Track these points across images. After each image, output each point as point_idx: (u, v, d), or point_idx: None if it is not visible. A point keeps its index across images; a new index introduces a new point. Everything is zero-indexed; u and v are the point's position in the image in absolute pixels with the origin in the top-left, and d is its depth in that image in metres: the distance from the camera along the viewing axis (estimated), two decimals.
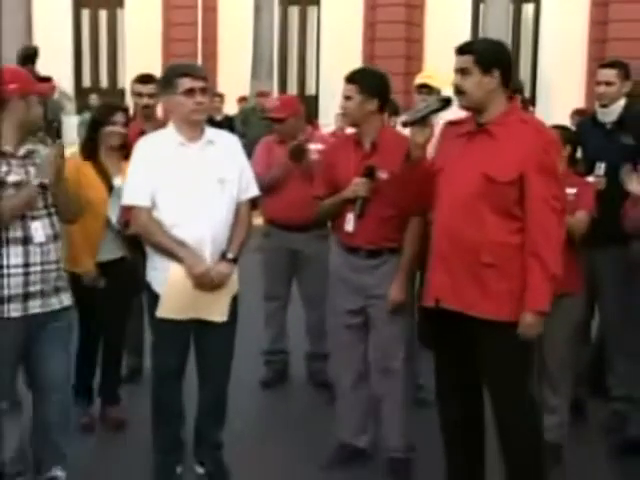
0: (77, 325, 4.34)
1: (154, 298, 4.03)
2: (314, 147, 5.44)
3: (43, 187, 3.78)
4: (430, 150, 3.86)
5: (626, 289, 4.62)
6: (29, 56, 9.68)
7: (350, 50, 17.58)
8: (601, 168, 4.68)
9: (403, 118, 3.99)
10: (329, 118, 14.84)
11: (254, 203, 4.42)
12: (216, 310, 4.06)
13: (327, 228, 5.73)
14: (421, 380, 5.02)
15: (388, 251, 4.20)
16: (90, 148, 4.72)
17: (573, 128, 5.28)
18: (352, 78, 4.22)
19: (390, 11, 17.48)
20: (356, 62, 17.31)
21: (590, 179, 4.63)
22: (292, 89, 18.56)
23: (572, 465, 3.77)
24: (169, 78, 4.01)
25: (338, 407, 4.56)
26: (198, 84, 3.94)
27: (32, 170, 3.75)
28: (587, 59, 16.31)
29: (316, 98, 17.94)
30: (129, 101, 6.23)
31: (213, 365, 4.20)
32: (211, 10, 19.04)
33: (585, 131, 5.00)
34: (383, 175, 4.12)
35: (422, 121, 3.68)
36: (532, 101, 15.16)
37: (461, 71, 3.55)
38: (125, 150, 4.67)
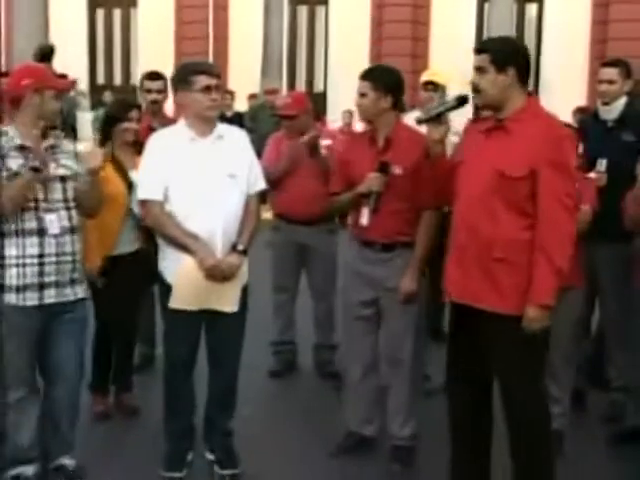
0: (93, 317, 4.33)
1: (166, 289, 4.04)
2: (323, 143, 5.44)
3: (63, 180, 3.80)
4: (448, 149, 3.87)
5: (626, 284, 4.61)
6: (46, 54, 9.69)
7: (357, 48, 17.57)
8: (602, 164, 4.66)
9: (419, 116, 3.99)
10: (336, 114, 14.84)
11: (263, 197, 4.42)
12: (227, 301, 4.06)
13: (334, 222, 5.75)
14: (427, 371, 5.02)
15: (401, 245, 4.20)
16: (105, 143, 4.73)
17: (575, 125, 5.26)
18: (367, 75, 4.22)
19: (397, 10, 17.45)
20: (363, 60, 17.31)
21: (591, 175, 4.62)
22: (301, 86, 18.53)
23: (572, 451, 3.79)
24: (185, 75, 4.00)
25: (346, 396, 4.56)
26: (213, 82, 3.96)
27: (52, 164, 3.77)
28: (589, 58, 16.27)
29: (324, 95, 17.93)
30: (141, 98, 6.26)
31: (224, 354, 4.20)
32: (222, 9, 19.02)
33: (587, 128, 4.98)
34: (397, 170, 4.12)
35: (437, 118, 3.69)
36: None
37: (478, 70, 3.54)
38: (138, 146, 4.68)
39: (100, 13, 20.30)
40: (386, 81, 4.20)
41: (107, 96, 16.16)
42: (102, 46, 20.38)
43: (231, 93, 14.41)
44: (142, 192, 4.04)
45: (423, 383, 4.79)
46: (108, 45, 20.35)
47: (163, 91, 5.64)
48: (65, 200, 3.84)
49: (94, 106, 17.05)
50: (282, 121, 5.65)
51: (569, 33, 16.44)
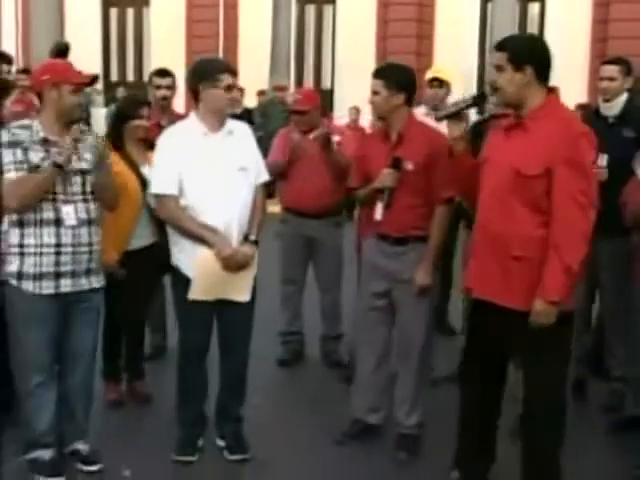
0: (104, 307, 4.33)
1: (182, 281, 4.04)
2: (333, 139, 5.43)
3: (83, 173, 3.80)
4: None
5: (626, 279, 4.59)
6: (61, 52, 9.69)
7: (364, 46, 17.54)
8: (603, 160, 4.63)
9: (437, 113, 4.02)
10: (343, 111, 14.82)
11: (271, 191, 4.42)
12: (241, 290, 4.10)
13: (341, 215, 5.74)
14: (432, 361, 5.01)
15: (414, 239, 4.19)
16: (117, 139, 4.71)
17: None
18: (379, 73, 4.21)
19: (402, 9, 17.40)
20: (369, 58, 17.31)
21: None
22: (308, 83, 18.50)
23: (573, 439, 3.78)
24: (211, 71, 4.03)
25: (356, 385, 4.55)
26: (234, 80, 4.04)
27: (74, 157, 3.79)
28: (589, 56, 16.21)
29: (331, 92, 17.90)
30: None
31: (235, 342, 4.23)
32: (232, 8, 19.00)
33: (588, 124, 4.94)
34: (408, 166, 4.11)
35: (456, 116, 3.67)
36: None
37: (497, 68, 3.51)
38: (148, 141, 4.70)
39: (114, 12, 20.30)
40: (398, 79, 4.18)
41: (120, 92, 16.14)
42: (115, 44, 20.37)
43: (240, 90, 14.38)
44: (157, 187, 4.04)
45: (429, 373, 4.78)
46: (121, 43, 20.35)
47: (172, 88, 5.65)
48: (83, 192, 3.86)
49: (108, 102, 17.05)
50: (292, 116, 5.63)
51: (570, 32, 16.36)
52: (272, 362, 5.62)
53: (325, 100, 14.49)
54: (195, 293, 4.01)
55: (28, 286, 3.76)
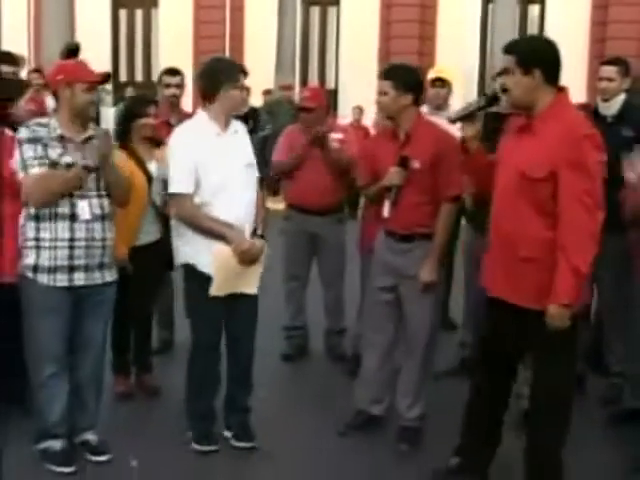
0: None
1: (198, 279, 4.04)
2: (335, 136, 5.42)
3: (97, 169, 3.82)
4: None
5: (624, 274, 4.58)
6: (71, 52, 9.71)
7: (367, 47, 17.51)
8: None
9: (450, 115, 4.06)
10: (347, 110, 14.80)
11: (276, 189, 4.43)
12: (250, 283, 4.15)
13: (344, 212, 5.74)
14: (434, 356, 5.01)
15: (420, 236, 4.19)
16: (125, 137, 4.71)
17: None
18: (387, 74, 4.21)
19: (405, 11, 17.36)
20: (373, 58, 17.29)
21: None
22: (313, 83, 18.46)
23: (572, 431, 3.79)
24: (233, 72, 4.09)
25: (360, 377, 4.55)
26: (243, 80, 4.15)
27: (89, 155, 3.82)
28: (588, 57, 16.16)
29: (335, 92, 17.86)
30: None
31: (244, 334, 4.26)
32: (238, 9, 18.97)
33: None
34: (415, 165, 4.11)
35: (469, 117, 3.70)
36: None
37: (506, 71, 3.50)
38: (155, 139, 4.73)
39: (123, 13, 20.28)
40: (406, 79, 4.18)
41: (129, 92, 16.12)
42: (124, 44, 20.36)
43: (247, 89, 14.36)
44: (176, 187, 4.02)
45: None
46: (130, 44, 20.33)
47: (181, 86, 5.67)
48: (98, 189, 3.89)
49: (116, 102, 17.06)
50: (300, 113, 5.61)
51: (570, 33, 16.28)
52: (276, 357, 5.61)
53: (329, 99, 14.46)
54: (217, 290, 4.03)
55: (43, 279, 3.79)
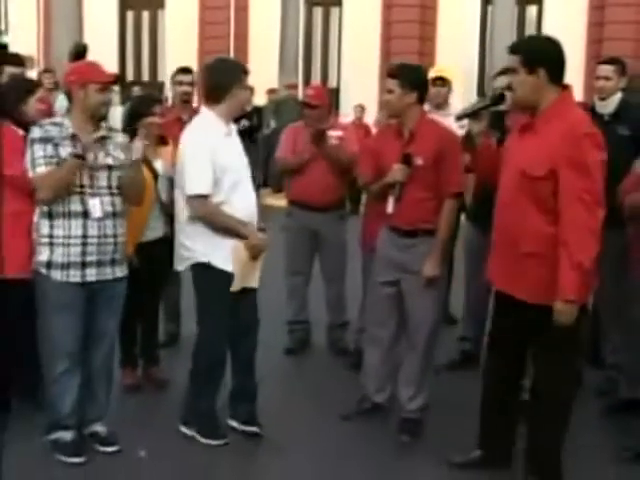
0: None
1: (214, 275, 4.04)
2: (335, 134, 5.42)
3: (109, 168, 3.85)
4: None
5: (621, 268, 4.58)
6: (80, 52, 9.74)
7: (369, 47, 17.50)
8: None
9: (458, 112, 4.12)
10: (349, 109, 14.79)
11: (280, 186, 4.43)
12: (256, 277, 4.21)
13: (345, 209, 5.74)
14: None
15: (423, 232, 4.20)
16: (131, 136, 4.71)
17: None
18: (393, 73, 4.20)
19: (405, 11, 17.34)
20: (374, 58, 17.30)
21: None
22: (315, 82, 18.45)
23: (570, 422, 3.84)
24: (240, 72, 4.12)
25: (364, 367, 4.57)
26: None
27: (101, 154, 3.85)
28: (585, 57, 16.12)
29: (337, 90, 17.85)
30: (168, 93, 6.29)
31: (251, 325, 4.30)
32: (242, 10, 18.96)
33: None
34: (419, 161, 4.12)
35: (475, 115, 3.76)
36: None
37: (511, 70, 3.50)
38: (161, 137, 4.73)
39: (130, 15, 20.28)
40: (412, 78, 4.18)
41: (136, 91, 16.12)
42: (131, 45, 20.35)
43: (250, 88, 14.36)
44: (197, 187, 3.99)
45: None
46: (137, 44, 20.32)
47: (193, 84, 5.71)
48: (109, 187, 3.90)
49: (124, 101, 17.06)
50: (303, 110, 5.60)
51: (567, 34, 16.13)
52: (279, 351, 5.61)
53: (332, 98, 14.44)
54: (237, 285, 4.07)
55: (56, 275, 3.81)
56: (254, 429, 4.26)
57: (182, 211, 4.12)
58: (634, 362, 4.34)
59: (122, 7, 20.17)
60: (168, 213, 4.57)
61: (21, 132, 4.07)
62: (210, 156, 3.96)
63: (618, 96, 4.84)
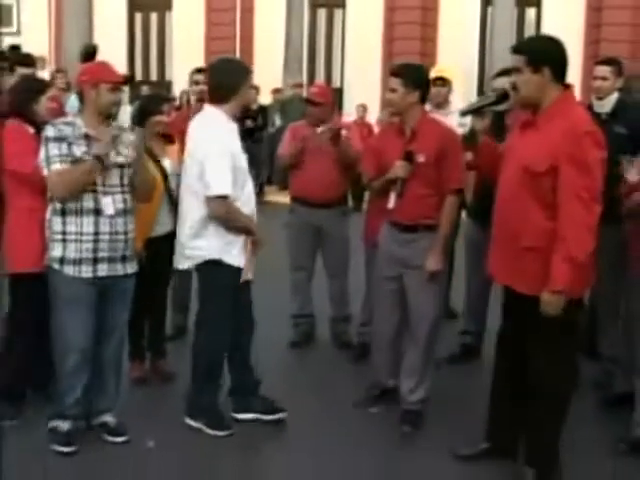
0: None
1: (226, 271, 4.06)
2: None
3: (121, 166, 3.85)
4: None
5: (618, 264, 4.57)
6: (90, 53, 9.73)
7: (371, 48, 17.48)
8: None
9: (461, 109, 4.10)
10: (351, 108, 14.78)
11: (285, 183, 4.43)
12: (252, 270, 4.21)
13: (347, 205, 5.74)
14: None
15: (424, 227, 4.20)
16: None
17: None
18: (397, 72, 4.21)
19: (407, 13, 17.31)
20: (376, 59, 17.26)
21: None
22: (320, 81, 18.45)
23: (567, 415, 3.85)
24: (246, 72, 4.15)
25: (373, 356, 4.61)
26: None
27: (112, 152, 3.85)
28: (583, 58, 16.07)
29: (340, 90, 17.82)
30: (175, 92, 6.28)
31: (249, 318, 4.32)
32: (248, 11, 18.93)
33: None
34: (420, 159, 4.13)
35: (478, 112, 3.77)
36: None
37: (515, 70, 3.49)
38: (168, 135, 4.74)
39: (138, 16, 20.26)
40: (415, 78, 4.18)
41: (144, 90, 16.12)
42: (140, 46, 20.33)
43: (256, 88, 14.37)
44: (221, 188, 3.95)
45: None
46: (145, 45, 20.30)
47: None
48: (121, 185, 3.91)
49: (132, 100, 17.06)
50: (307, 107, 5.58)
51: (565, 35, 15.97)
52: (285, 344, 5.61)
53: (335, 98, 14.39)
54: (247, 275, 4.14)
55: (69, 270, 3.81)
56: (277, 417, 4.30)
57: (191, 209, 4.08)
58: (631, 356, 4.33)
59: (131, 9, 20.16)
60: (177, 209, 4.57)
61: (32, 130, 4.07)
62: (230, 156, 3.97)
63: (615, 96, 4.83)
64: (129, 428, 4.11)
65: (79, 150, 3.78)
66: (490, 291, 5.00)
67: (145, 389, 4.77)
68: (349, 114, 14.28)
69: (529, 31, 16.92)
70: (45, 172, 3.77)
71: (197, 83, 5.77)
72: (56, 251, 3.83)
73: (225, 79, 4.06)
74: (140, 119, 4.75)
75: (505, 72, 4.63)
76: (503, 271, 3.62)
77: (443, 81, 5.86)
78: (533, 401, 3.64)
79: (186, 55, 17.80)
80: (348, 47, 18.26)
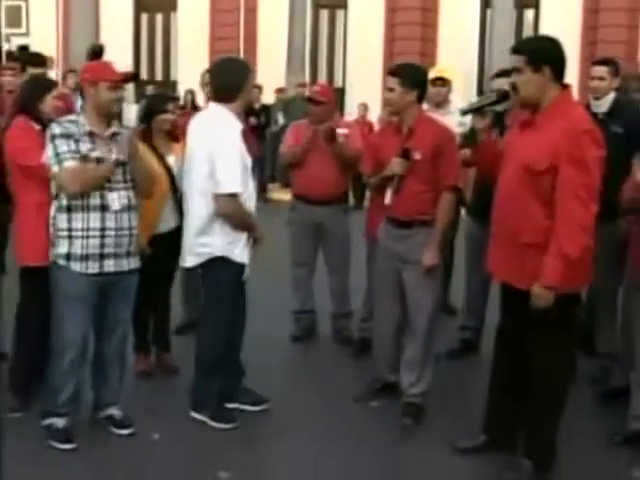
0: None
1: (233, 268, 4.07)
2: (340, 131, 5.40)
3: (123, 163, 3.83)
4: None
5: (615, 260, 4.57)
6: (96, 53, 9.75)
7: (372, 48, 17.47)
8: None
9: (462, 107, 4.12)
10: (353, 107, 14.77)
11: (287, 181, 4.43)
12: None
13: (348, 203, 5.74)
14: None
15: (420, 223, 4.20)
16: (146, 132, 4.70)
17: None
18: (395, 72, 4.21)
19: (408, 14, 17.30)
20: (378, 59, 17.25)
21: None
22: (322, 81, 18.42)
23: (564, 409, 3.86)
24: (250, 71, 4.15)
25: (374, 352, 4.61)
26: None
27: (115, 149, 3.85)
28: (580, 59, 16.04)
29: (342, 90, 17.82)
30: (180, 91, 6.28)
31: (244, 312, 4.34)
32: (251, 12, 18.92)
33: None
34: (417, 156, 4.14)
35: (478, 111, 3.79)
36: None
37: (515, 70, 3.48)
38: (174, 134, 4.72)
39: (144, 17, 20.27)
40: (412, 77, 4.19)
41: (150, 90, 16.12)
42: (145, 45, 20.34)
43: (259, 87, 14.36)
44: (232, 186, 3.95)
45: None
46: (151, 45, 20.31)
47: None
48: (125, 181, 3.90)
49: (138, 99, 17.05)
50: (308, 105, 5.57)
51: (563, 36, 15.93)
52: (286, 339, 5.60)
53: (337, 97, 14.35)
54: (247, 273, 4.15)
55: (76, 266, 3.80)
56: (262, 407, 4.34)
57: (198, 207, 4.06)
58: (628, 353, 4.33)
59: (137, 10, 20.17)
60: (181, 206, 4.57)
61: (37, 127, 4.08)
62: (240, 154, 3.98)
63: (612, 96, 4.82)
64: (135, 421, 4.11)
65: (85, 147, 3.77)
66: (489, 288, 5.00)
67: (150, 382, 4.76)
68: (351, 113, 14.28)
69: (527, 32, 16.90)
70: (55, 169, 3.74)
71: (209, 84, 5.76)
72: (62, 247, 3.81)
73: (229, 78, 4.05)
74: (146, 117, 4.75)
75: (504, 73, 4.61)
76: (502, 268, 3.61)
77: (443, 81, 5.85)
78: (532, 395, 3.63)
79: (191, 55, 17.83)
80: (350, 47, 18.25)
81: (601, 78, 4.80)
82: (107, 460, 3.86)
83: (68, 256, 3.80)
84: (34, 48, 12.53)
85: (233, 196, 3.96)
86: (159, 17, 20.21)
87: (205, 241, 4.07)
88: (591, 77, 4.87)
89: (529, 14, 17.45)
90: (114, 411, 4.12)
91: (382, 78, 16.32)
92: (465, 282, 5.49)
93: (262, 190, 11.62)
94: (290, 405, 4.49)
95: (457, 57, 15.76)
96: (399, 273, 4.30)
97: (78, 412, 4.03)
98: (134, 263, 4.00)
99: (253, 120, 11.90)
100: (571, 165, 3.29)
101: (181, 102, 11.77)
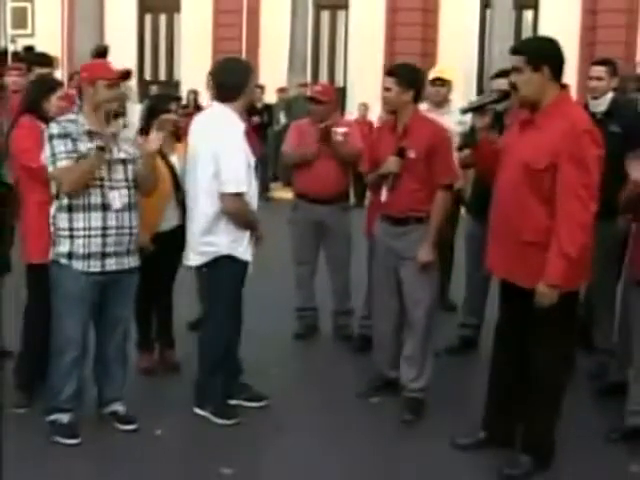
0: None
1: (237, 266, 4.07)
2: (341, 130, 5.39)
3: (124, 162, 3.84)
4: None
5: (613, 258, 4.57)
6: (101, 53, 9.74)
7: (373, 48, 17.44)
8: None
9: (462, 106, 4.10)
10: (354, 107, 14.77)
11: (290, 179, 4.43)
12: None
13: (349, 201, 5.73)
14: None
15: (415, 220, 4.21)
16: (148, 132, 4.70)
17: None
18: (392, 72, 4.23)
19: (408, 14, 17.28)
20: (378, 59, 17.21)
21: None
22: (323, 81, 18.41)
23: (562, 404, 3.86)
24: (252, 71, 4.18)
25: (374, 350, 4.61)
26: None
27: (115, 148, 3.83)
28: (578, 59, 16.02)
29: (343, 90, 17.80)
30: (183, 91, 6.27)
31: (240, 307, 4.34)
32: (254, 13, 18.91)
33: None
34: (411, 155, 4.14)
35: (479, 110, 3.77)
36: None
37: (515, 70, 3.47)
38: (176, 133, 4.71)
39: (148, 18, 20.26)
40: (409, 78, 4.20)
41: (153, 90, 16.13)
42: (149, 46, 20.33)
43: (261, 87, 14.36)
44: (238, 185, 3.95)
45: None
46: (154, 45, 20.30)
47: None
48: (126, 180, 3.89)
49: (142, 99, 17.05)
50: (310, 105, 5.56)
51: (561, 37, 15.92)
52: (289, 336, 5.59)
53: (338, 97, 14.34)
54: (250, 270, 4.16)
55: (78, 265, 3.78)
56: (262, 403, 4.34)
57: (203, 206, 4.04)
58: (626, 351, 4.33)
59: (141, 10, 20.15)
60: (183, 205, 4.56)
61: (43, 126, 4.08)
62: (244, 154, 3.97)
63: (610, 95, 4.81)
64: (138, 416, 4.11)
65: (84, 146, 3.75)
66: (489, 286, 4.99)
67: (153, 379, 4.76)
68: (351, 113, 14.28)
69: (527, 33, 16.87)
70: (51, 169, 3.74)
71: None
72: (63, 246, 3.79)
73: (231, 78, 4.05)
74: (149, 117, 4.74)
75: (503, 73, 4.61)
76: (502, 265, 3.61)
77: (442, 81, 5.84)
78: (531, 392, 3.63)
79: (194, 55, 17.81)
80: (351, 47, 18.24)
81: (599, 78, 4.80)
82: (111, 455, 3.86)
83: (70, 255, 3.78)
84: (39, 49, 12.53)
85: (239, 195, 3.96)
86: (163, 18, 20.21)
87: (210, 240, 4.06)
88: (589, 77, 4.87)
89: (528, 15, 17.43)
90: (118, 407, 4.12)
91: (383, 78, 16.32)
92: (465, 280, 5.48)
93: (264, 189, 11.60)
94: (292, 401, 4.49)
95: (457, 57, 15.73)
96: (396, 269, 4.30)
97: (81, 409, 4.03)
98: (134, 261, 4.00)
99: (256, 119, 11.88)
100: (571, 165, 3.29)
101: (184, 102, 11.76)
